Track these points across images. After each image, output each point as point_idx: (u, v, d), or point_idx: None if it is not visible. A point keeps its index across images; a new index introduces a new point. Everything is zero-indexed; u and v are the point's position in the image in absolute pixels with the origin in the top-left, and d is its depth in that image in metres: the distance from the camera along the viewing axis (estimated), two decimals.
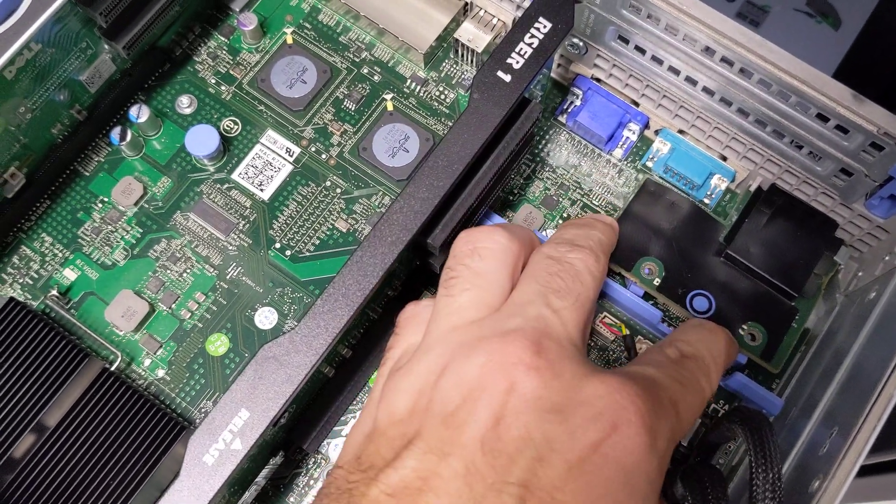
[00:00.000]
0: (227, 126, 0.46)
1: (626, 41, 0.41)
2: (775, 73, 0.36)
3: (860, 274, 0.43)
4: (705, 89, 0.41)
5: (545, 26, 0.37)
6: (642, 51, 0.41)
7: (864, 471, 0.42)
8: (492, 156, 0.37)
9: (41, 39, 0.39)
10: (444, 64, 0.48)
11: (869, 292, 0.40)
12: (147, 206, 0.45)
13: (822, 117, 0.37)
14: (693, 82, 0.41)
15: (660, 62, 0.41)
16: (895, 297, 0.38)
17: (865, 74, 0.65)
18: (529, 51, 0.36)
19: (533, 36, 0.36)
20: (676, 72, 0.41)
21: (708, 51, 0.38)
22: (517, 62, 0.36)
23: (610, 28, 0.41)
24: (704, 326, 0.34)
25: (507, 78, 0.36)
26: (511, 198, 0.45)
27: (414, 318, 0.33)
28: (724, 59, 0.38)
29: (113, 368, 0.41)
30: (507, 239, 0.32)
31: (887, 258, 0.40)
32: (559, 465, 0.26)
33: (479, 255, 0.32)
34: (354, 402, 0.40)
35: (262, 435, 0.31)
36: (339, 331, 0.33)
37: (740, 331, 0.42)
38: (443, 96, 0.47)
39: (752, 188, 0.44)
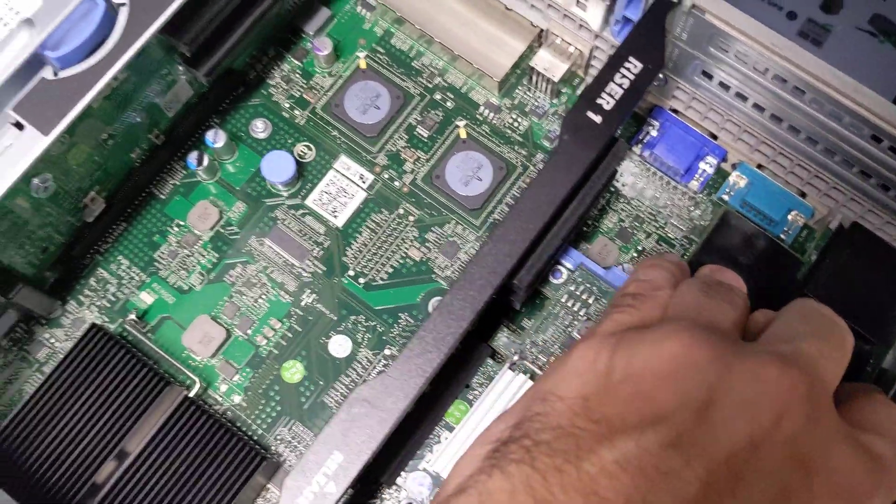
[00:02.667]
0: (301, 151, 0.46)
1: (710, 76, 0.41)
2: (868, 117, 0.36)
3: None
4: (791, 127, 0.40)
5: (636, 66, 0.36)
6: (726, 87, 0.41)
7: None
8: (579, 195, 0.37)
9: (127, 68, 0.39)
10: (517, 91, 0.47)
11: None
12: (222, 230, 0.45)
13: None
14: (778, 119, 0.40)
15: (744, 99, 0.41)
16: None
17: None
18: (620, 91, 0.36)
19: (623, 76, 0.36)
20: (761, 109, 0.40)
21: (797, 90, 0.38)
22: (607, 103, 0.36)
23: (694, 62, 0.41)
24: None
25: (598, 119, 0.36)
26: (585, 229, 0.45)
27: (654, 298, 0.31)
28: (813, 101, 0.37)
29: (191, 394, 0.41)
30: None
31: None
32: None
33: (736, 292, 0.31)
34: (431, 436, 0.40)
35: (357, 478, 0.32)
36: (430, 374, 0.33)
37: None
38: (516, 124, 0.47)
39: (833, 226, 0.43)
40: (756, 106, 0.40)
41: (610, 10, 0.41)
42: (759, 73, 0.38)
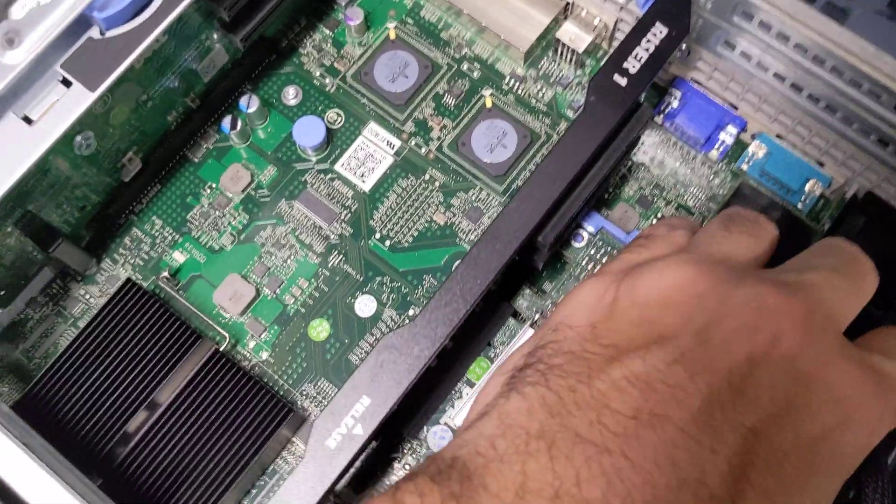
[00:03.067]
0: (331, 118, 0.47)
1: (733, 47, 0.42)
2: (888, 84, 0.36)
3: None
4: (810, 96, 0.41)
5: (661, 31, 0.37)
6: (748, 56, 0.42)
7: None
8: (602, 158, 0.38)
9: (168, 32, 0.40)
10: (542, 62, 0.48)
11: None
12: (253, 193, 0.46)
13: None
14: (799, 89, 0.41)
15: (765, 69, 0.41)
16: None
17: None
18: (645, 56, 0.37)
19: (649, 41, 0.37)
20: (782, 78, 0.41)
21: (817, 59, 0.39)
22: (633, 67, 0.37)
23: (717, 32, 0.41)
24: None
25: (624, 82, 0.37)
26: (606, 196, 0.46)
27: (665, 238, 0.32)
28: (833, 69, 0.38)
29: (224, 347, 0.43)
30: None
31: None
32: (790, 433, 0.26)
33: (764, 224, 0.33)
34: (453, 392, 0.42)
35: (383, 421, 0.33)
36: (455, 324, 0.34)
37: None
38: (541, 94, 0.48)
39: (848, 195, 0.44)
40: (777, 75, 0.41)
41: None
42: (781, 42, 0.39)
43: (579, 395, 0.26)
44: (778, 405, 0.26)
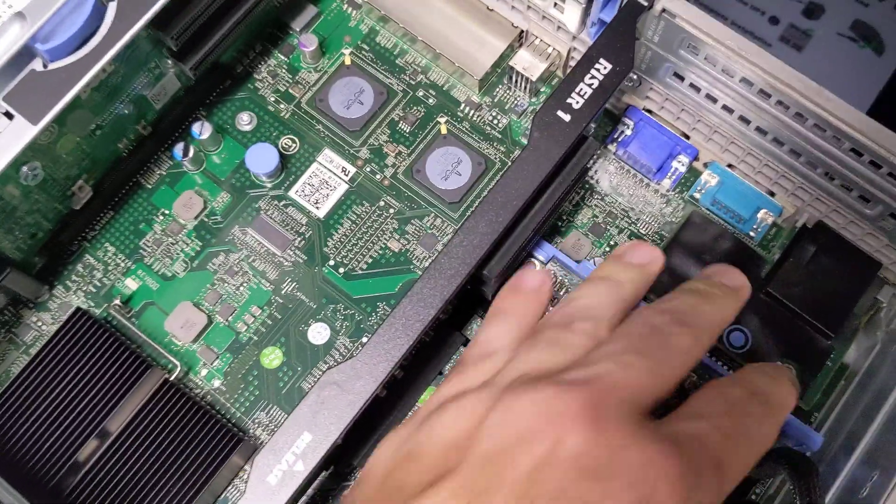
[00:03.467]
0: (286, 144, 0.47)
1: (682, 78, 0.42)
2: (831, 120, 0.37)
3: None
4: (758, 129, 0.41)
5: (605, 67, 0.37)
6: (697, 89, 0.42)
7: None
8: (548, 190, 0.38)
9: (116, 61, 0.40)
10: (497, 90, 0.49)
11: None
12: (207, 219, 0.46)
13: (875, 164, 0.38)
14: (746, 121, 0.41)
15: (714, 100, 0.42)
16: None
17: None
18: (589, 91, 0.37)
19: (593, 77, 0.37)
20: (730, 110, 0.42)
21: (763, 93, 0.39)
22: (577, 102, 0.37)
23: (666, 65, 0.42)
24: (766, 370, 0.32)
25: (567, 118, 0.37)
26: (559, 224, 0.46)
27: (478, 367, 0.32)
28: (779, 103, 0.39)
29: (172, 378, 0.43)
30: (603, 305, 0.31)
31: None
32: None
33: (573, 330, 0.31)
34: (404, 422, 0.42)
35: (325, 457, 0.33)
36: (398, 359, 0.34)
37: None
38: (496, 121, 0.48)
39: (799, 224, 0.44)
40: (725, 108, 0.42)
41: (586, 12, 0.43)
42: (727, 76, 0.39)
43: None
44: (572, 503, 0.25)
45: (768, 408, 0.30)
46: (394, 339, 0.34)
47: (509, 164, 0.46)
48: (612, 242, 0.46)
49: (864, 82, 0.67)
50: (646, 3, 0.38)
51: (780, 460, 0.34)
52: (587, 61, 0.38)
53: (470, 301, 0.44)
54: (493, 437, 0.27)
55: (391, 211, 0.46)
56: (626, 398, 0.27)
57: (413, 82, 0.49)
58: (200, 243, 0.46)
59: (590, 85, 0.37)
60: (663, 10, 0.38)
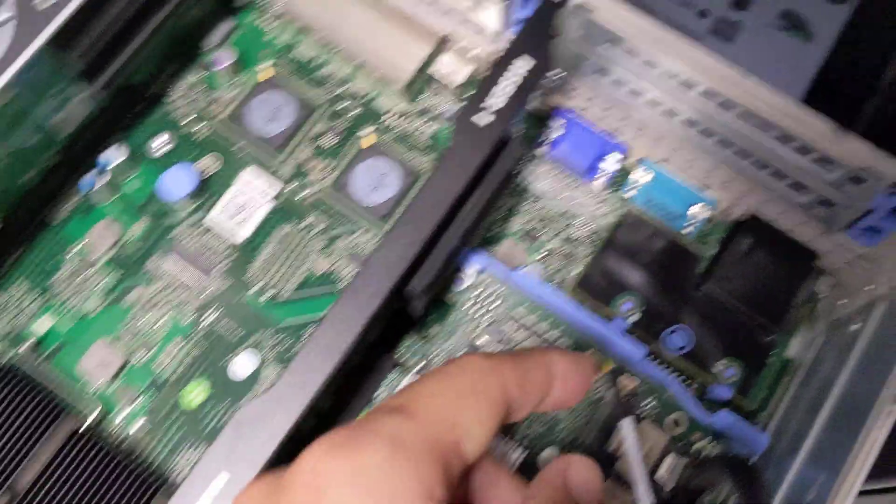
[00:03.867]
0: (204, 165, 0.45)
1: (606, 74, 0.41)
2: (758, 108, 0.36)
3: (843, 302, 0.43)
4: (686, 121, 0.40)
5: (523, 68, 0.36)
6: (621, 84, 0.41)
7: None
8: (472, 198, 0.37)
9: (15, 85, 0.38)
10: (423, 96, 0.47)
11: (851, 323, 0.40)
12: (122, 251, 0.44)
13: (804, 150, 0.37)
14: (673, 114, 0.40)
15: (639, 94, 0.41)
16: (878, 330, 0.38)
17: (840, 86, 0.65)
18: (508, 93, 0.36)
19: (511, 77, 0.36)
20: (656, 104, 0.40)
21: (687, 84, 0.38)
22: (496, 105, 0.36)
23: (587, 62, 0.41)
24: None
25: (487, 121, 0.35)
26: (491, 232, 0.45)
27: None
28: (704, 93, 0.38)
29: (88, 422, 0.40)
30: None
31: (867, 288, 0.40)
32: None
33: None
34: None
35: None
36: (317, 390, 0.32)
37: (719, 365, 0.41)
38: (423, 129, 0.46)
39: (734, 218, 0.43)
40: (651, 102, 0.41)
41: (505, 12, 0.41)
42: (650, 69, 0.38)
43: None
44: None
45: None
46: (312, 370, 0.32)
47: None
48: (545, 248, 0.44)
49: (797, 70, 0.67)
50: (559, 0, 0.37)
51: (723, 468, 0.33)
52: (505, 62, 0.36)
53: (401, 320, 0.42)
54: None
55: (317, 229, 0.45)
56: None
57: (335, 94, 0.47)
58: (117, 276, 0.44)
59: (508, 87, 0.36)
60: (578, 5, 0.37)
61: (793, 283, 0.42)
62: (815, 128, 0.35)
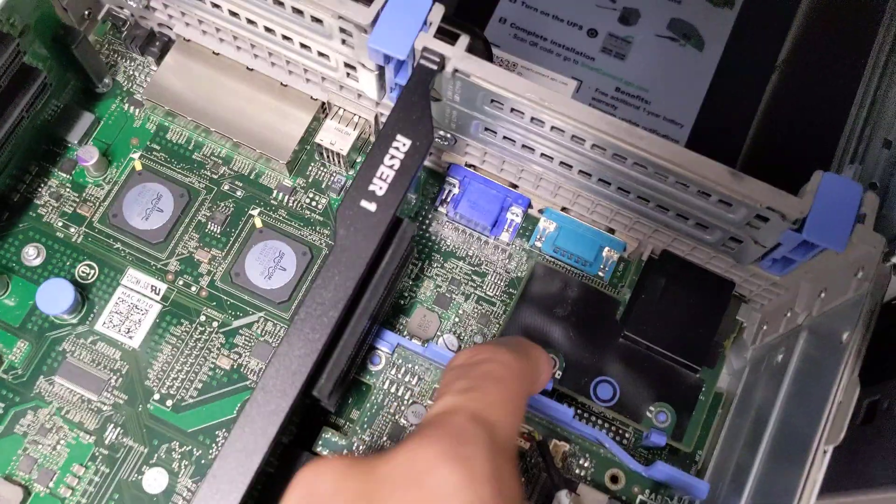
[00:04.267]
0: (83, 272, 0.42)
1: (494, 132, 0.39)
2: (649, 157, 0.35)
3: (765, 327, 0.42)
4: (581, 172, 0.39)
5: (404, 144, 0.34)
6: (511, 140, 0.39)
7: None
8: (370, 286, 0.35)
9: None
10: (310, 167, 0.45)
11: (777, 352, 0.40)
12: (5, 376, 0.40)
13: (703, 194, 0.36)
14: (568, 166, 0.39)
15: (531, 150, 0.39)
16: (802, 360, 0.37)
17: (734, 91, 0.65)
18: (392, 174, 0.34)
19: (393, 157, 0.34)
20: (550, 158, 0.39)
21: (577, 139, 0.36)
22: (380, 188, 0.33)
23: (474, 122, 0.39)
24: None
25: (373, 207, 0.33)
26: (402, 302, 0.43)
27: None
28: (594, 146, 0.36)
29: None
30: None
31: (788, 314, 0.40)
32: None
33: None
34: None
35: None
36: None
37: (648, 413, 0.40)
38: (314, 203, 0.44)
39: (645, 257, 0.42)
40: (544, 155, 0.39)
41: (381, 78, 0.39)
42: (537, 126, 0.37)
43: None
44: None
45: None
46: (220, 492, 0.30)
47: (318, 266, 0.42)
48: (459, 311, 0.43)
49: (692, 79, 0.66)
50: (435, 67, 0.35)
51: None
52: (384, 141, 0.34)
53: (314, 412, 0.40)
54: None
55: (215, 324, 0.42)
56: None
57: (216, 176, 0.44)
58: (3, 405, 0.40)
59: (391, 166, 0.34)
60: (455, 71, 0.35)
61: (713, 314, 0.41)
62: (712, 172, 0.34)
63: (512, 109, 0.36)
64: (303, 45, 0.40)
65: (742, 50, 0.68)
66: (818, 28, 0.62)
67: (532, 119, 0.36)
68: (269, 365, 0.32)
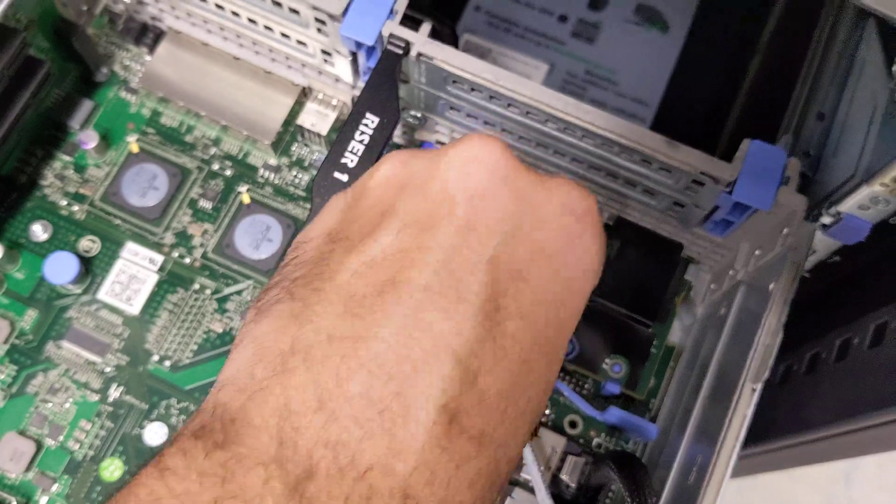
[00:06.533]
0: (86, 246, 0.46)
1: (458, 110, 0.43)
2: (594, 130, 0.38)
3: (713, 286, 0.46)
4: (538, 144, 0.43)
5: (373, 121, 0.38)
6: (474, 117, 0.43)
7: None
8: None
9: None
10: (293, 147, 0.48)
11: (720, 307, 0.43)
12: (17, 341, 0.44)
13: (645, 162, 0.39)
14: (527, 140, 0.43)
15: (492, 126, 0.43)
16: (739, 311, 0.41)
17: (696, 72, 0.68)
18: (362, 148, 0.37)
19: (363, 133, 0.38)
20: (510, 133, 0.43)
21: (531, 114, 0.40)
22: (352, 161, 0.37)
23: (440, 102, 0.43)
24: None
25: (345, 178, 0.37)
26: None
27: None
28: (547, 120, 0.40)
29: None
30: None
31: (731, 273, 0.43)
32: (526, 245, 0.26)
33: None
34: None
35: None
36: None
37: (604, 364, 0.44)
38: (297, 180, 0.48)
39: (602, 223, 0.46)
40: (505, 130, 0.43)
41: (355, 63, 0.43)
42: (496, 103, 0.41)
43: (323, 294, 0.25)
44: (508, 224, 0.27)
45: None
46: None
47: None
48: None
49: (658, 61, 0.70)
50: (400, 52, 0.39)
51: (609, 462, 0.35)
52: (355, 118, 0.38)
53: None
54: (423, 174, 0.28)
55: (208, 292, 0.46)
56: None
57: (206, 157, 0.48)
58: (16, 368, 0.44)
59: (361, 141, 0.38)
60: (419, 55, 0.39)
61: (664, 274, 0.45)
62: (650, 141, 0.38)
63: (472, 89, 0.40)
64: (283, 35, 0.44)
65: (704, 34, 0.72)
66: (776, 12, 0.65)
67: (490, 97, 0.40)
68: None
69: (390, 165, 0.29)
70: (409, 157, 0.29)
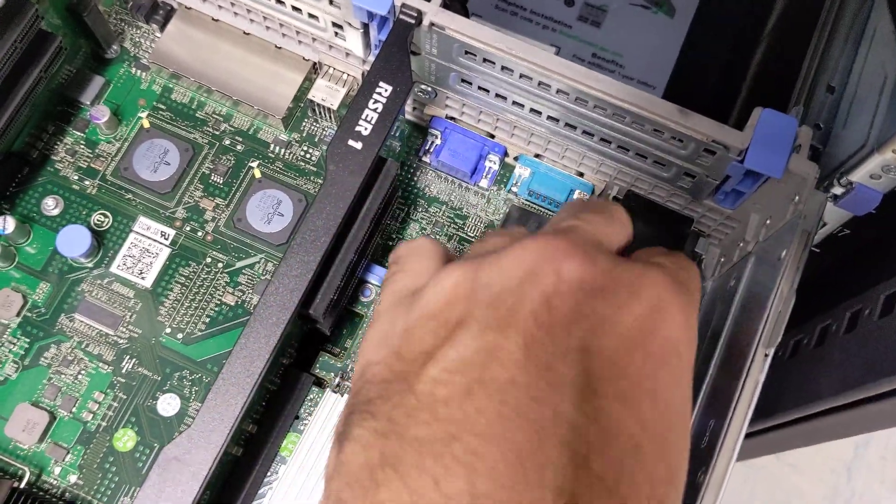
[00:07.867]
0: (98, 220, 0.46)
1: (470, 83, 0.43)
2: (606, 98, 0.39)
3: (723, 260, 0.46)
4: (549, 117, 0.43)
5: (386, 90, 0.38)
6: (486, 90, 0.43)
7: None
8: (358, 218, 0.39)
9: None
10: (304, 123, 0.49)
11: (730, 279, 0.44)
12: (30, 314, 0.45)
13: (657, 131, 0.40)
14: (538, 113, 0.43)
15: (504, 98, 0.43)
16: (749, 281, 0.41)
17: (705, 53, 0.69)
18: (375, 116, 0.38)
19: (376, 101, 0.38)
20: (521, 105, 0.43)
21: (543, 85, 0.40)
22: (365, 129, 0.37)
23: (451, 73, 0.43)
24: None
25: (359, 145, 0.37)
26: (390, 243, 0.47)
27: (415, 253, 0.32)
28: (559, 91, 0.40)
29: (23, 485, 0.41)
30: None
31: (741, 245, 0.44)
32: (613, 335, 0.26)
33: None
34: (269, 474, 0.41)
35: None
36: (234, 420, 0.34)
37: None
38: (308, 155, 0.48)
39: (611, 197, 0.46)
40: (516, 103, 0.43)
41: (366, 36, 0.43)
42: (507, 74, 0.41)
43: (407, 407, 0.25)
44: (589, 318, 0.26)
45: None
46: (226, 402, 0.34)
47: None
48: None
49: (664, 45, 0.70)
50: (413, 21, 0.39)
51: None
52: (368, 87, 0.38)
53: (311, 339, 0.44)
54: (493, 284, 0.27)
55: (220, 265, 0.46)
56: (599, 240, 0.30)
57: (217, 132, 0.48)
58: (28, 340, 0.44)
59: (374, 109, 0.38)
60: (432, 24, 0.39)
61: (673, 247, 0.45)
62: (662, 109, 0.38)
63: (484, 59, 0.40)
64: (294, 8, 0.44)
65: (710, 16, 0.72)
66: None
67: (502, 68, 0.40)
68: (269, 284, 0.36)
69: (452, 276, 0.28)
70: (473, 267, 0.28)
